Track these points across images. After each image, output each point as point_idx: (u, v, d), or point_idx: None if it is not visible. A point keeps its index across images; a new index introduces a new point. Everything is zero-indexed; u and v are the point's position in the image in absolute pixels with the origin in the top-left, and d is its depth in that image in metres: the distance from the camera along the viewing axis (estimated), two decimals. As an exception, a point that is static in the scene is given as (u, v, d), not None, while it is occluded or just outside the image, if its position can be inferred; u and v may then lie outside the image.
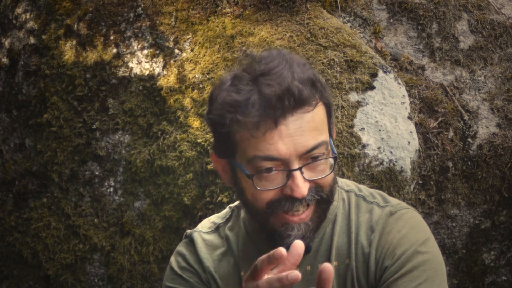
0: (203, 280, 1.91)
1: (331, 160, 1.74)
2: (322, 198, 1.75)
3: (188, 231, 1.98)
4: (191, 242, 1.95)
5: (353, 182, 1.93)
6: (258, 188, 1.70)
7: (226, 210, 1.99)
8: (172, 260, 1.96)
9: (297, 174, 1.69)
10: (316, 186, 1.73)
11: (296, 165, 1.69)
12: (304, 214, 1.74)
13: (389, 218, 1.82)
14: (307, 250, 1.82)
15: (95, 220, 3.30)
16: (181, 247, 1.96)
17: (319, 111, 1.72)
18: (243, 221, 1.92)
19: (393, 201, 1.87)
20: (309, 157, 1.71)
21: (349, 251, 1.82)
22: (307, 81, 1.70)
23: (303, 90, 1.68)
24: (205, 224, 1.98)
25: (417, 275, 1.75)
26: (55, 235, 3.35)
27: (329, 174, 1.74)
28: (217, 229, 1.96)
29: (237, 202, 1.96)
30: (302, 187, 1.70)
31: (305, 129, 1.69)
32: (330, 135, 1.77)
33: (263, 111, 1.67)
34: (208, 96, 1.81)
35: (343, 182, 1.92)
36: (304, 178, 1.70)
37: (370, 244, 1.81)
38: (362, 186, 1.91)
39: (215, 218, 1.99)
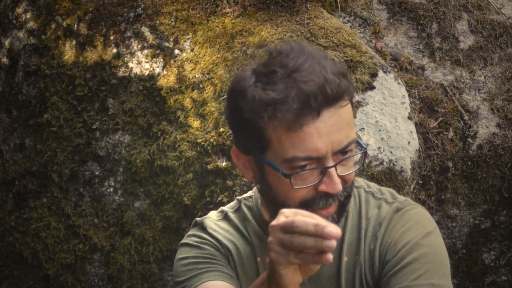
0: (222, 253, 1.88)
1: (357, 155, 1.75)
2: (348, 193, 1.76)
3: (198, 219, 1.96)
4: (203, 227, 1.92)
5: (362, 179, 1.93)
6: (295, 187, 1.69)
7: (234, 202, 1.97)
8: (184, 241, 1.92)
9: (332, 171, 1.68)
10: (343, 182, 1.73)
11: (331, 162, 1.68)
12: (331, 208, 1.74)
13: (395, 214, 1.83)
14: None
15: (95, 220, 3.30)
16: (192, 232, 1.93)
17: (349, 106, 1.71)
18: (253, 216, 1.90)
19: (401, 198, 1.87)
20: (341, 153, 1.70)
21: (359, 247, 1.82)
22: (340, 75, 1.68)
23: (340, 84, 1.66)
24: (214, 213, 1.96)
25: (417, 267, 1.74)
26: (55, 235, 3.34)
27: (357, 169, 1.75)
28: (225, 216, 1.93)
29: (245, 195, 1.95)
30: (338, 184, 1.69)
31: (341, 125, 1.68)
32: None
33: (302, 108, 1.64)
34: (228, 93, 1.76)
35: None
36: (338, 174, 1.70)
37: (376, 239, 1.81)
38: (370, 183, 1.91)
39: (223, 208, 1.97)
